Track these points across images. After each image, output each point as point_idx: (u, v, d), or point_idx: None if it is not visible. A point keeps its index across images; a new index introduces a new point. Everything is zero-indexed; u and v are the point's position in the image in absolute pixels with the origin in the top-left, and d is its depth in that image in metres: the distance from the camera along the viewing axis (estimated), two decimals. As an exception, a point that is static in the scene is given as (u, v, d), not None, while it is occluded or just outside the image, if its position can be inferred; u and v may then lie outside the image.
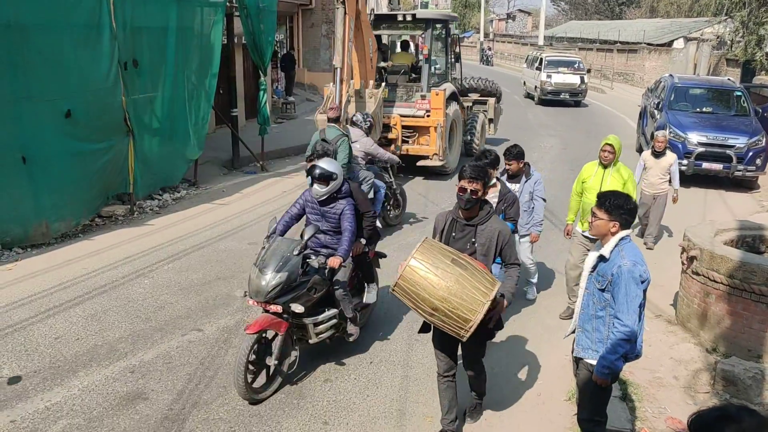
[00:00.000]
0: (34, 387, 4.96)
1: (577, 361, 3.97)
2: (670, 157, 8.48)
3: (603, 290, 3.68)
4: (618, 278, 3.57)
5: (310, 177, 5.54)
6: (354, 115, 9.01)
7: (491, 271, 4.07)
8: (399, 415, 4.82)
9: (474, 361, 4.44)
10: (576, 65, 25.21)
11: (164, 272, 7.35)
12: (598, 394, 3.83)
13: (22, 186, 7.79)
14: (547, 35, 44.83)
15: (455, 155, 12.82)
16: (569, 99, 24.33)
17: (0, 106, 7.42)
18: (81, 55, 8.29)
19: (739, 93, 13.69)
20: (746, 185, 12.52)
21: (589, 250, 5.94)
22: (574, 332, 4.07)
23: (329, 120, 8.28)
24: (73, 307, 6.36)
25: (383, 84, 11.73)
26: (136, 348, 5.63)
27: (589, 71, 26.16)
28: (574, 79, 24.42)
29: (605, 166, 6.18)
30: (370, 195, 8.25)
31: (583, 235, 6.24)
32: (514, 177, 6.49)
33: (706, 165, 12.03)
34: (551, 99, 24.17)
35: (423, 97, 11.72)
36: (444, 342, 4.21)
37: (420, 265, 3.76)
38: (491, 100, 14.74)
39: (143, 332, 5.93)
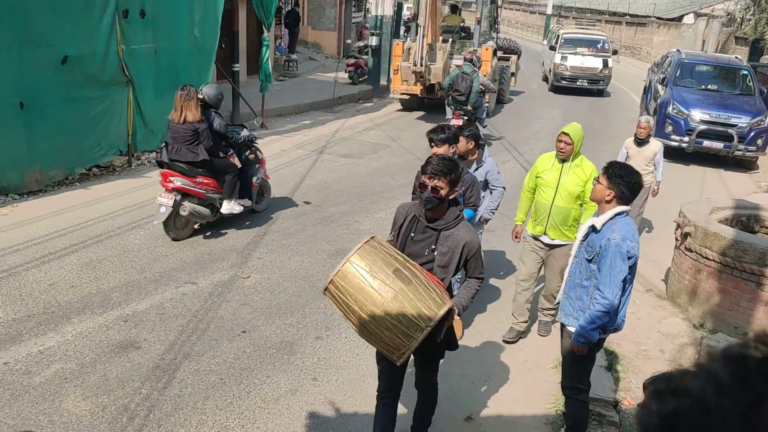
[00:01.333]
0: (28, 331, 5.01)
1: (562, 327, 4.03)
2: (654, 145, 7.62)
3: (590, 261, 3.72)
4: (605, 251, 3.60)
5: None
6: (471, 58, 11.76)
7: (450, 286, 3.55)
8: (387, 374, 4.89)
9: (425, 378, 3.86)
10: (600, 45, 21.01)
11: (161, 225, 7.35)
12: (580, 362, 3.90)
13: (18, 132, 7.74)
14: (556, 4, 44.12)
15: (492, 101, 15.28)
16: (588, 86, 20.02)
17: (1, 50, 7.33)
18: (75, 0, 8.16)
19: (745, 72, 13.58)
20: (746, 165, 12.51)
21: (543, 258, 5.37)
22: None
23: (465, 60, 11.72)
24: (69, 254, 6.39)
25: (450, 40, 14.47)
26: (129, 298, 5.68)
27: (615, 53, 21.94)
28: (595, 63, 20.11)
29: (563, 161, 5.10)
30: (484, 115, 12.14)
31: (534, 239, 5.35)
32: None
33: (707, 143, 12.00)
34: (566, 86, 19.99)
35: (474, 51, 13.62)
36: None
37: (355, 271, 3.15)
38: (513, 57, 17.86)
39: (137, 283, 5.97)
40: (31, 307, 5.37)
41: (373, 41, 17.05)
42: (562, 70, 20.13)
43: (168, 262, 6.44)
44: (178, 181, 6.74)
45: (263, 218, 7.83)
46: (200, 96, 6.85)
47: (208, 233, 7.20)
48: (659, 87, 13.69)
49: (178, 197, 6.74)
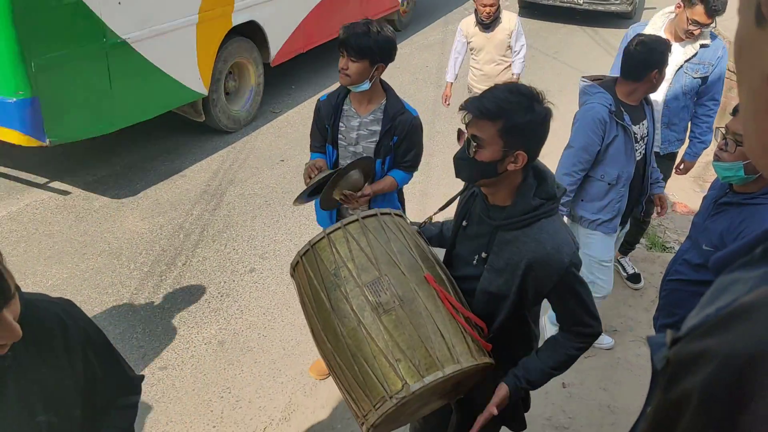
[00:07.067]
0: (78, 162, 5.27)
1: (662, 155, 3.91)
2: (509, 21, 4.82)
3: (704, 77, 3.65)
4: (722, 60, 3.63)
5: None
6: None
7: (532, 331, 2.02)
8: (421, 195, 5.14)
9: None
10: None
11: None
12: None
13: None
14: None
15: None
16: (581, 5, 9.53)
17: None
18: None
19: None
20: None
21: None
22: None
23: None
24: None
25: None
26: (165, 133, 5.84)
27: None
28: None
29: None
30: None
31: None
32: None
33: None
34: (542, 5, 9.89)
35: None
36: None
37: (337, 250, 1.83)
38: None
39: (169, 120, 6.09)
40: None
41: None
42: None
43: (200, 100, 6.54)
44: None
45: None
46: None
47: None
48: None
49: None
